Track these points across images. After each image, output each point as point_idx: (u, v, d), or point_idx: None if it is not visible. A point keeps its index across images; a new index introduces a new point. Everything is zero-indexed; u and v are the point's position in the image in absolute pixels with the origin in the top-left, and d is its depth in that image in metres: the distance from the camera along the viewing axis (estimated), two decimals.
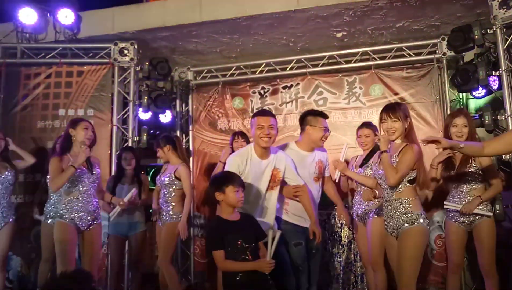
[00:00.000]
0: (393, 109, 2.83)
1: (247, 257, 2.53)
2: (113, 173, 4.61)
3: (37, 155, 4.50)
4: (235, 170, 2.87)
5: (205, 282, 5.33)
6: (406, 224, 2.71)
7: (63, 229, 3.29)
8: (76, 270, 1.72)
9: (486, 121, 4.19)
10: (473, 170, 3.25)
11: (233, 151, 4.13)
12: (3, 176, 3.81)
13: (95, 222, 3.46)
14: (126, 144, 4.84)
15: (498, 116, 4.23)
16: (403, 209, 2.73)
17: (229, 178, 2.70)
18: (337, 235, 4.15)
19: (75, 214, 3.34)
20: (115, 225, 4.15)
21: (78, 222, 3.34)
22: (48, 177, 4.20)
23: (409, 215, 2.71)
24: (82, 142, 3.35)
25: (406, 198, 2.75)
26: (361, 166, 3.64)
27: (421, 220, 2.71)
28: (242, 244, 2.54)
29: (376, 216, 3.44)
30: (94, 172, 3.46)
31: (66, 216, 3.32)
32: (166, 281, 3.95)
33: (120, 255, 4.39)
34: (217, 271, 4.01)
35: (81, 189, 3.38)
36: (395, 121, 2.79)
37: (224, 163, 4.05)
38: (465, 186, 3.27)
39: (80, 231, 3.38)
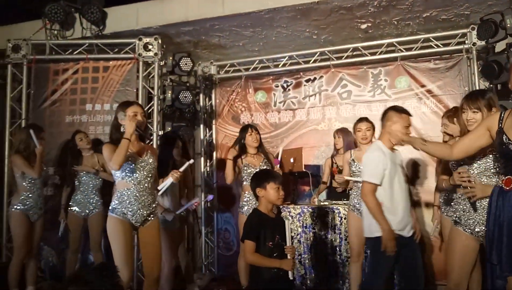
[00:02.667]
0: (474, 98, 2.57)
1: (280, 254, 2.59)
2: None
3: (65, 149, 4.66)
4: (381, 166, 2.84)
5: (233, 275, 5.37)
6: None
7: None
8: (102, 264, 1.75)
9: None
10: None
11: (244, 146, 4.08)
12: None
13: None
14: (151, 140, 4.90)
15: None
16: None
17: (271, 175, 2.78)
18: (337, 229, 4.12)
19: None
20: None
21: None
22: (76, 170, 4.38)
23: None
24: (131, 117, 2.94)
25: None
26: None
27: None
28: (279, 240, 2.61)
29: None
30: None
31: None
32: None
33: None
34: (239, 262, 4.07)
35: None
36: (475, 112, 2.54)
37: (232, 160, 4.01)
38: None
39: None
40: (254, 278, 2.66)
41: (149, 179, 3.04)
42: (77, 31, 5.25)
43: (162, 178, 3.37)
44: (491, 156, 2.50)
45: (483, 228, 2.45)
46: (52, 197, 4.75)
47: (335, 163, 4.47)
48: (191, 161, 3.50)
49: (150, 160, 3.07)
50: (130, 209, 2.95)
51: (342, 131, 4.50)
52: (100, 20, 5.06)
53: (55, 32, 5.25)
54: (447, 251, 2.79)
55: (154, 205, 3.08)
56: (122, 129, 2.97)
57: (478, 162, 2.52)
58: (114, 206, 2.97)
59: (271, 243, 2.58)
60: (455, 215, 2.68)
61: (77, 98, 5.10)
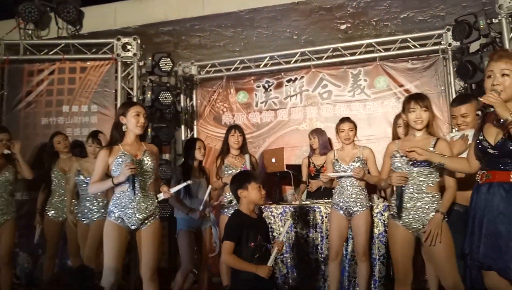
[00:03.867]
0: (422, 98, 2.69)
1: (261, 255, 2.57)
2: None
3: (41, 152, 4.54)
4: None
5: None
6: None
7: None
8: (80, 267, 1.71)
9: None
10: None
11: (227, 146, 4.04)
12: (2, 176, 3.71)
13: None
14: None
15: None
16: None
17: (251, 175, 2.76)
18: (319, 227, 4.15)
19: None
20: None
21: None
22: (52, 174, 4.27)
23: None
24: (128, 156, 2.89)
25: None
26: None
27: None
28: (261, 241, 2.59)
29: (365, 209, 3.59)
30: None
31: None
32: None
33: None
34: (221, 263, 4.04)
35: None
36: (425, 111, 2.65)
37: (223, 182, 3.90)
38: None
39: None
40: (234, 279, 2.65)
41: (145, 180, 2.97)
42: (52, 31, 5.13)
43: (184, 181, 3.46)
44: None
45: (419, 225, 2.61)
46: (27, 202, 4.61)
47: (312, 163, 4.55)
48: (189, 181, 3.38)
49: (147, 161, 2.99)
50: (125, 213, 2.89)
51: (317, 132, 4.58)
52: (77, 19, 4.97)
53: (30, 32, 5.12)
54: (389, 245, 2.87)
55: (152, 208, 2.98)
56: (124, 129, 2.95)
57: (418, 162, 2.62)
58: (110, 209, 2.93)
59: (253, 243, 2.56)
60: (392, 211, 2.77)
61: (53, 100, 4.97)
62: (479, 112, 2.66)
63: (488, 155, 2.22)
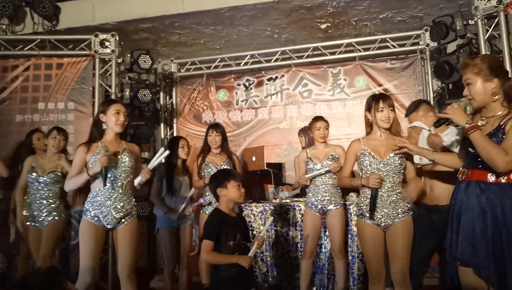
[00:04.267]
0: (389, 98, 2.78)
1: (241, 253, 2.56)
2: None
3: (17, 150, 4.42)
4: None
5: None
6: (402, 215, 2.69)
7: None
8: (49, 268, 1.67)
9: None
10: None
11: (209, 147, 4.03)
12: None
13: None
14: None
15: None
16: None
17: (230, 174, 2.76)
18: (298, 226, 4.18)
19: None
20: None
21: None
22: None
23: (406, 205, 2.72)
24: (104, 146, 2.83)
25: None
26: None
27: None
28: (240, 240, 2.58)
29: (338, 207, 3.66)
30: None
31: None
32: None
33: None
34: (200, 262, 4.03)
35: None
36: (392, 110, 2.73)
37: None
38: None
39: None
40: (214, 278, 2.63)
41: (123, 179, 2.93)
42: (28, 26, 5.00)
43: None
44: (397, 157, 2.69)
45: (389, 221, 2.68)
46: (2, 201, 4.49)
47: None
48: (167, 151, 3.07)
49: (125, 160, 2.96)
50: (101, 211, 2.86)
51: (303, 130, 4.60)
52: (53, 15, 4.85)
53: (4, 26, 4.98)
54: (361, 244, 2.90)
55: (129, 207, 2.94)
56: (103, 126, 2.94)
57: (388, 162, 2.70)
58: (86, 208, 2.89)
59: (232, 242, 2.55)
60: (360, 210, 2.80)
61: (28, 96, 4.85)
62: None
63: (469, 154, 2.27)
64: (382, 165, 2.71)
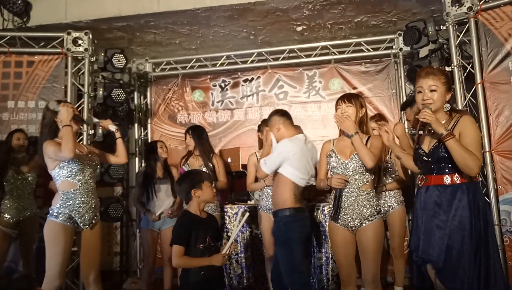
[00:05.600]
0: (348, 96, 2.89)
1: (211, 255, 2.55)
2: None
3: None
4: None
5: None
6: (371, 218, 2.72)
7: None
8: (22, 276, 1.62)
9: None
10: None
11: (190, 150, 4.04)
12: None
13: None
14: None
15: None
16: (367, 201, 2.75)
17: (204, 174, 2.77)
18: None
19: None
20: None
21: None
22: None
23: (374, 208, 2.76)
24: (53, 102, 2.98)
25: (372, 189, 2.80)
26: None
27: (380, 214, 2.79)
28: (210, 242, 2.56)
29: None
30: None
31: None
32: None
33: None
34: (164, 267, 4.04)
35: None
36: (349, 106, 2.81)
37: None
38: None
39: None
40: (184, 280, 2.60)
41: (94, 178, 2.97)
42: None
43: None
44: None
45: (357, 222, 2.73)
46: None
47: None
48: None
49: (95, 158, 3.00)
50: (77, 212, 2.81)
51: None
52: (24, 11, 4.71)
53: None
54: (332, 247, 2.99)
55: (98, 207, 3.01)
56: (59, 122, 2.89)
57: (353, 161, 2.77)
58: (57, 210, 2.80)
59: (202, 245, 2.53)
60: (330, 212, 2.87)
61: None
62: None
63: (423, 162, 2.42)
64: (346, 165, 2.76)
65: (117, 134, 3.14)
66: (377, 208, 2.78)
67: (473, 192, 2.28)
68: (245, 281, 4.24)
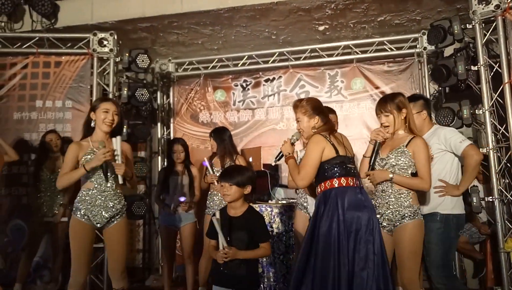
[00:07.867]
0: (383, 103, 2.80)
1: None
2: None
3: (14, 147, 4.42)
4: None
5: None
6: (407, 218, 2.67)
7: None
8: None
9: (465, 115, 4.24)
10: None
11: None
12: None
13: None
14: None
15: (476, 110, 4.29)
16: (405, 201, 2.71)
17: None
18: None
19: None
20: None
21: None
22: None
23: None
24: (101, 142, 2.82)
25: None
26: None
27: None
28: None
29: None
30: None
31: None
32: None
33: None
34: (200, 264, 4.03)
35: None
36: (387, 115, 2.77)
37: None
38: None
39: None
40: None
41: (113, 179, 2.89)
42: (26, 24, 5.00)
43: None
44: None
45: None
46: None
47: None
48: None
49: (116, 159, 2.92)
50: (91, 211, 2.85)
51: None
52: (52, 13, 4.85)
53: (3, 24, 4.98)
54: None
55: (119, 207, 2.93)
56: (92, 124, 2.92)
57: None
58: (76, 207, 2.88)
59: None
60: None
61: (26, 94, 4.85)
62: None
63: None
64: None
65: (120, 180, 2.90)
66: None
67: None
68: (266, 280, 4.24)
